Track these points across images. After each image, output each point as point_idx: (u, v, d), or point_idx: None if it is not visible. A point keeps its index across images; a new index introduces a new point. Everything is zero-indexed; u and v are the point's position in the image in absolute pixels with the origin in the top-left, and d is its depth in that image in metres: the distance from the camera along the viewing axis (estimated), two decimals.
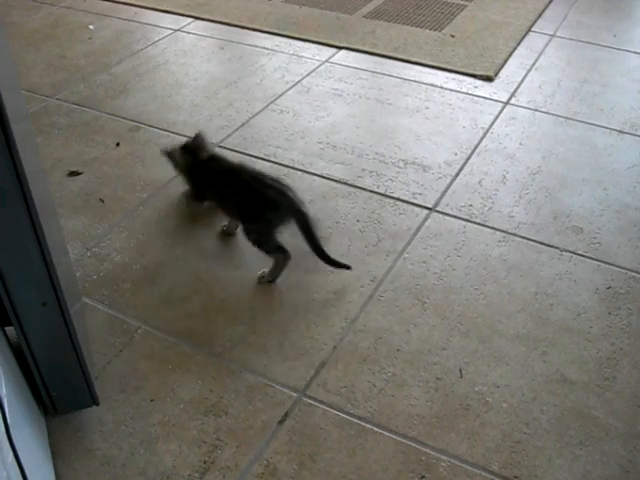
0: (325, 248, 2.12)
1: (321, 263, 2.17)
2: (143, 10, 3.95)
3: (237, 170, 2.24)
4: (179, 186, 2.53)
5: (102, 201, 2.50)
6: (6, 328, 1.56)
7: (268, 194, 2.11)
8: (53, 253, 1.46)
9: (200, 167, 2.31)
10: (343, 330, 2.01)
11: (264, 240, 2.16)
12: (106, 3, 4.03)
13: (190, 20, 3.82)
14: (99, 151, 2.76)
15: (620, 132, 2.85)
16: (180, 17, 3.85)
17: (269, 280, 2.16)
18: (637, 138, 2.82)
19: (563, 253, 2.26)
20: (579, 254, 2.26)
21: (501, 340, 1.98)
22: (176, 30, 3.72)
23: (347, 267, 2.15)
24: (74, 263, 2.22)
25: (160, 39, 3.63)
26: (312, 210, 2.40)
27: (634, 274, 2.18)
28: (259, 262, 2.19)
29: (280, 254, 2.15)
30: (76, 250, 2.28)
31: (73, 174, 2.64)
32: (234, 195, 2.18)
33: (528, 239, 2.32)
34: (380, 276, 2.18)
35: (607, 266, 2.22)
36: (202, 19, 3.82)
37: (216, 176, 2.27)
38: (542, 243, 2.30)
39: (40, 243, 1.42)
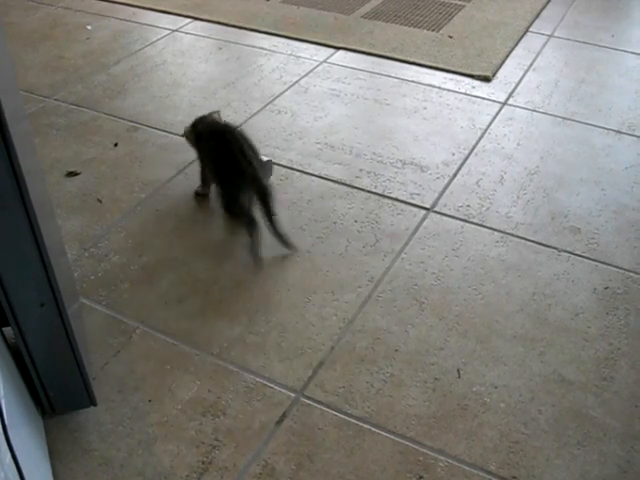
0: (278, 224, 2.25)
1: (318, 264, 2.18)
2: (141, 10, 3.95)
3: (223, 130, 2.37)
4: (177, 186, 2.54)
5: (100, 201, 2.50)
6: (4, 328, 1.56)
7: (239, 160, 2.21)
8: (51, 254, 1.46)
9: (199, 134, 2.44)
10: (341, 330, 2.01)
11: (231, 205, 2.26)
12: (104, 3, 4.03)
13: (188, 20, 3.82)
14: (97, 151, 2.76)
15: (618, 132, 2.85)
16: (178, 17, 3.85)
17: (255, 255, 2.22)
18: (635, 138, 2.82)
19: (561, 253, 2.26)
20: (577, 254, 2.26)
21: (499, 340, 1.98)
22: (174, 30, 3.71)
23: (290, 246, 2.26)
24: (72, 263, 2.22)
25: (158, 39, 3.62)
26: (310, 210, 2.42)
27: (632, 274, 2.19)
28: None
29: (246, 222, 2.23)
30: (74, 250, 2.28)
31: (71, 174, 2.63)
32: (215, 152, 2.31)
33: (526, 239, 2.32)
34: (378, 276, 2.18)
35: (605, 266, 2.22)
36: (200, 19, 3.82)
37: (207, 134, 2.39)
38: (540, 243, 2.30)
39: (38, 244, 1.42)
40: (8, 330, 1.54)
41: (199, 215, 2.43)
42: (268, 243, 2.24)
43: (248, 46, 3.53)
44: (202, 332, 2.01)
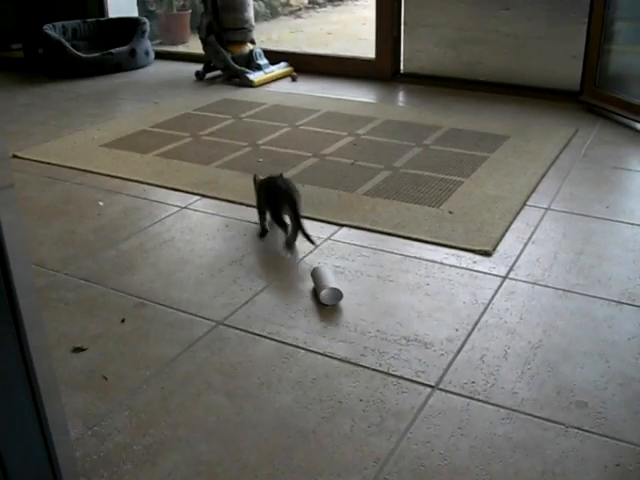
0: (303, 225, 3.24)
1: (323, 444, 2.16)
2: (152, 187, 4.10)
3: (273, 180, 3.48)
4: (183, 364, 2.55)
5: (105, 378, 2.50)
6: None
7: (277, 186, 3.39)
8: (54, 434, 1.46)
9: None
10: None
11: (276, 217, 3.36)
12: (116, 180, 4.20)
13: (197, 198, 3.95)
14: (104, 327, 2.79)
15: (619, 303, 2.88)
16: (187, 195, 3.99)
17: (289, 248, 3.31)
18: (636, 308, 2.84)
19: (569, 429, 2.24)
20: (585, 430, 2.23)
21: None
22: (183, 207, 3.84)
23: (313, 242, 3.29)
24: (74, 442, 2.19)
25: (167, 216, 3.74)
26: (315, 389, 2.42)
27: None
28: (258, 442, 2.17)
29: (284, 227, 3.34)
30: (77, 429, 2.26)
31: (77, 350, 2.65)
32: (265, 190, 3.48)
33: (532, 415, 2.30)
34: (384, 457, 2.14)
35: (614, 442, 2.19)
36: (208, 197, 3.95)
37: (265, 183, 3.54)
38: (547, 419, 2.28)
39: (42, 425, 1.42)
40: None
41: (205, 395, 2.42)
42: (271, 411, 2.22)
43: (254, 223, 3.62)
44: None
